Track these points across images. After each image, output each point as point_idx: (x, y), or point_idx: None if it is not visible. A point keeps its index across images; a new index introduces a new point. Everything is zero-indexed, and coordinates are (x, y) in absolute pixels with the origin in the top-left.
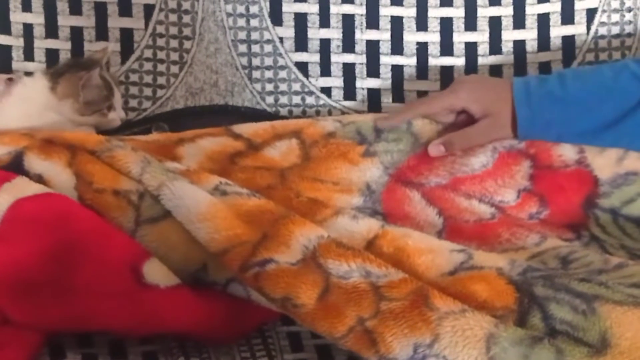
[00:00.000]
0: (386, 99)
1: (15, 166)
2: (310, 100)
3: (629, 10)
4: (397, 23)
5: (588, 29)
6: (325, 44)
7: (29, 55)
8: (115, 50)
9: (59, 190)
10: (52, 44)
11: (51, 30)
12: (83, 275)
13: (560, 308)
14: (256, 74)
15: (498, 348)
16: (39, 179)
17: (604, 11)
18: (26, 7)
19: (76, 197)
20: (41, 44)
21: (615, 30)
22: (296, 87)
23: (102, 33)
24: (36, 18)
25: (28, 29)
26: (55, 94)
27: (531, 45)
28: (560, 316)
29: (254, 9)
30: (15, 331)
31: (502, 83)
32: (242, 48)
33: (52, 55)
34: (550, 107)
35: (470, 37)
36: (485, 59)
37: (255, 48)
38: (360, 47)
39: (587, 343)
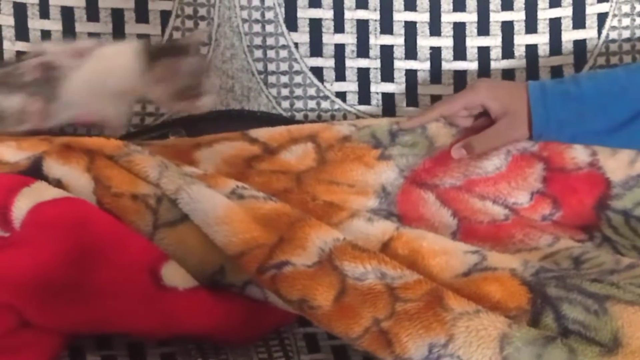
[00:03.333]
0: (400, 103)
1: (35, 171)
2: (325, 104)
3: None
4: (410, 28)
5: (599, 33)
6: (340, 49)
7: None
8: None
9: (78, 194)
10: None
11: (69, 37)
12: (102, 279)
13: (573, 308)
14: (272, 79)
15: (511, 348)
16: (58, 183)
17: (614, 15)
18: (44, 14)
19: (95, 201)
20: None
21: (626, 34)
22: (311, 91)
23: (119, 39)
24: (54, 25)
25: (46, 35)
26: (150, 76)
27: (543, 49)
28: (573, 316)
29: (269, 15)
30: (35, 334)
31: (518, 84)
32: (258, 53)
33: None
34: (564, 106)
35: (483, 41)
36: (497, 63)
37: (271, 53)
38: (375, 52)
39: (599, 343)
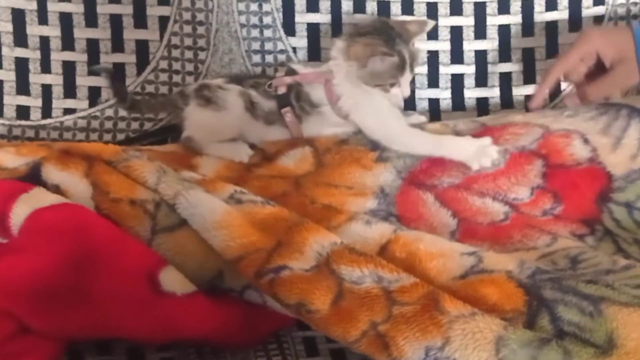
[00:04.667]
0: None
1: (33, 177)
2: None
3: (635, 17)
4: None
5: None
6: None
7: (45, 67)
8: (131, 61)
9: (76, 200)
10: (68, 56)
11: (67, 43)
12: (100, 284)
13: (568, 310)
14: None
15: (507, 350)
16: (57, 189)
17: (610, 18)
18: (42, 20)
19: (93, 207)
20: (58, 57)
21: None
22: None
23: (117, 45)
24: (52, 31)
25: (44, 41)
26: (347, 53)
27: (540, 52)
28: (568, 318)
29: (267, 20)
30: (35, 339)
31: (624, 29)
32: (256, 58)
33: (68, 67)
34: None
35: (480, 45)
36: (494, 67)
37: (269, 58)
38: None
39: (594, 344)
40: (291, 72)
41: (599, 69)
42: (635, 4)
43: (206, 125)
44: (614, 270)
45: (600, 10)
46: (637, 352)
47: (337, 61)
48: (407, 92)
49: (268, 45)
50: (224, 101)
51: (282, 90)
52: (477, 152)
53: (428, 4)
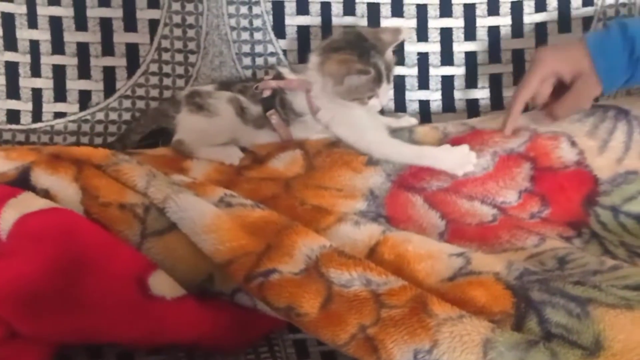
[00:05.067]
0: (388, 109)
1: (22, 181)
2: None
3: (625, 18)
4: None
5: None
6: None
7: (35, 71)
8: (121, 65)
9: (65, 204)
10: (58, 60)
11: (57, 47)
12: (89, 289)
13: (556, 312)
14: None
15: (495, 352)
16: (46, 193)
17: (599, 19)
18: (32, 24)
19: (82, 211)
20: (48, 60)
21: None
22: None
23: (108, 48)
24: (42, 35)
25: (34, 45)
26: (321, 69)
27: (530, 53)
28: (556, 320)
29: (257, 23)
30: (24, 344)
31: (575, 42)
32: (247, 61)
33: (58, 71)
34: (624, 52)
35: (470, 46)
36: (485, 68)
37: (260, 61)
38: None
39: (581, 346)
40: (278, 76)
41: (562, 86)
42: (624, 4)
43: (198, 130)
44: (602, 271)
45: (589, 11)
46: (624, 354)
47: (314, 74)
48: (385, 101)
49: (258, 48)
50: (216, 108)
51: (267, 93)
52: (458, 160)
53: (418, 5)
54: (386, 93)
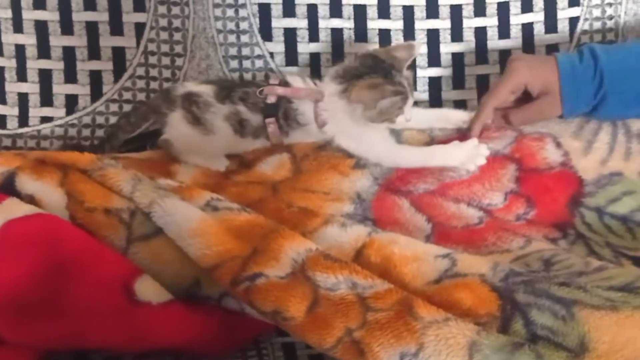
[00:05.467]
0: None
1: (7, 187)
2: None
3: (610, 18)
4: (384, 35)
5: (571, 37)
6: (315, 57)
7: (21, 76)
8: (108, 69)
9: (51, 210)
10: (44, 64)
11: (43, 51)
12: (75, 295)
13: (541, 314)
14: None
15: (480, 355)
16: (31, 199)
17: (586, 19)
18: (18, 28)
19: (67, 216)
20: (34, 65)
21: (598, 37)
22: None
23: (94, 52)
24: (28, 39)
25: (20, 50)
26: (347, 97)
27: (516, 53)
28: (541, 322)
29: (244, 26)
30: (10, 350)
31: (549, 59)
32: (234, 64)
33: (44, 75)
34: (592, 82)
35: (457, 47)
36: (472, 69)
37: (247, 64)
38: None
39: (567, 348)
40: (285, 83)
41: (524, 95)
42: (610, 4)
43: (190, 142)
44: (587, 272)
45: (575, 11)
46: (609, 356)
47: (334, 99)
48: (410, 117)
49: (245, 51)
50: (212, 125)
51: (272, 99)
52: (468, 155)
53: (404, 7)
54: (410, 109)
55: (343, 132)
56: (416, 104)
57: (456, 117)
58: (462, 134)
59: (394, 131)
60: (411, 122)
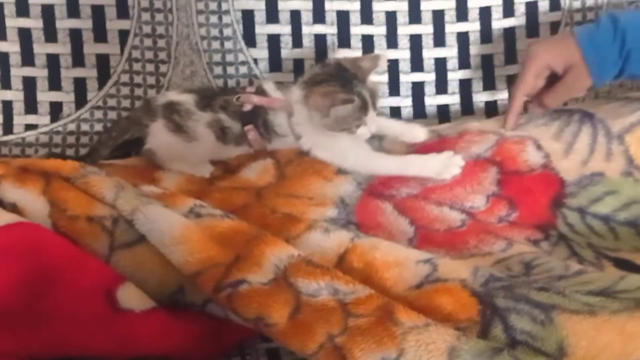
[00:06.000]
0: None
1: None
2: None
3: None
4: (368, 41)
5: None
6: (299, 63)
7: (5, 83)
8: (92, 76)
9: (33, 218)
10: (28, 71)
11: (27, 58)
12: (57, 303)
13: (520, 319)
14: None
15: None
16: (13, 207)
17: (567, 24)
18: (1, 36)
19: (50, 225)
20: (18, 72)
21: None
22: None
23: (78, 59)
24: (11, 46)
25: (4, 57)
26: (307, 103)
27: (498, 58)
28: (520, 327)
29: (227, 32)
30: None
31: (566, 36)
32: (218, 70)
33: (29, 83)
34: (613, 46)
35: (440, 52)
36: (455, 74)
37: (231, 70)
38: None
39: (545, 352)
40: (261, 92)
41: (553, 76)
42: (591, 9)
43: (174, 150)
44: (566, 276)
45: (557, 15)
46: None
47: (298, 108)
48: (374, 129)
49: (229, 57)
50: (195, 132)
51: (247, 107)
52: (443, 165)
53: (387, 12)
54: (374, 120)
55: (317, 144)
56: (399, 109)
57: (414, 133)
58: (440, 140)
59: (376, 137)
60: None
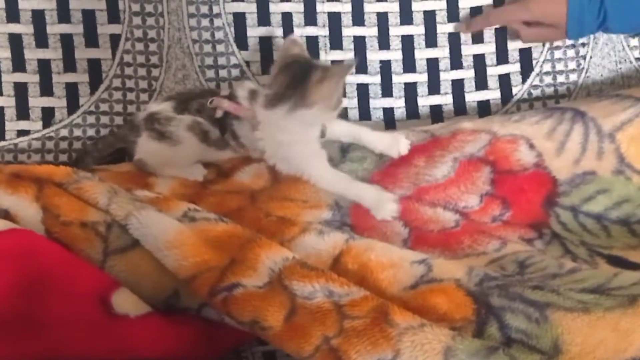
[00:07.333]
0: (353, 117)
1: None
2: None
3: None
4: (359, 43)
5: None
6: None
7: None
8: (84, 81)
9: (26, 224)
10: (20, 77)
11: (18, 64)
12: (51, 310)
13: (515, 317)
14: None
15: None
16: (6, 214)
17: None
18: None
19: (43, 230)
20: (9, 78)
21: (547, 68)
22: None
23: (70, 64)
24: (2, 52)
25: None
26: (305, 106)
27: (490, 58)
28: (515, 325)
29: (219, 35)
30: None
31: None
32: (210, 73)
33: (20, 89)
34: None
35: (431, 53)
36: (446, 74)
37: (223, 73)
38: None
39: (540, 350)
40: (234, 96)
41: None
42: None
43: (161, 156)
44: (560, 274)
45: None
46: (581, 357)
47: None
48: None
49: (221, 60)
50: (177, 136)
51: (219, 114)
52: (379, 204)
53: (378, 14)
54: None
55: (278, 158)
56: (392, 110)
57: (369, 139)
58: (434, 140)
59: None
60: (331, 135)
